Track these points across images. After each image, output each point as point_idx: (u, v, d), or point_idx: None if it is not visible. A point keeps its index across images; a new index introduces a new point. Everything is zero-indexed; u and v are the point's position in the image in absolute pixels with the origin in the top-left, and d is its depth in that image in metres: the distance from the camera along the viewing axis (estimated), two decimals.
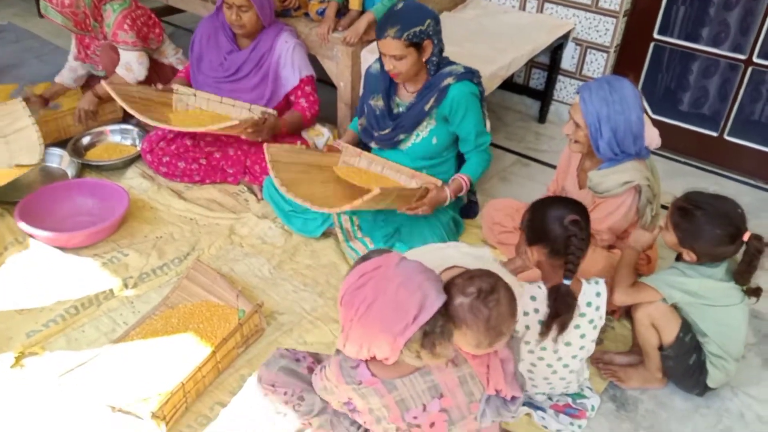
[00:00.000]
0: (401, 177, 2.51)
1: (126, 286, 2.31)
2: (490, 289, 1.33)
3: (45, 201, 2.56)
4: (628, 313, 2.12)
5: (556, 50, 3.41)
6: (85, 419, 1.82)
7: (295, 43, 2.79)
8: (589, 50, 3.43)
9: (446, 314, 1.29)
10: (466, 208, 2.73)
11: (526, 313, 1.70)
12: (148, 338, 2.05)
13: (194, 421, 1.85)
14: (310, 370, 1.69)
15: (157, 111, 2.77)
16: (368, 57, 2.81)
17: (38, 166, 2.58)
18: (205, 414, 1.87)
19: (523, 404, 1.90)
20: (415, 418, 1.38)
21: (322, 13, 2.94)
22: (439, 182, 2.39)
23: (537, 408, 1.90)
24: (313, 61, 2.92)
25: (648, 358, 1.97)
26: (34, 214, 2.46)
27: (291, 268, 2.47)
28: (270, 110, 2.70)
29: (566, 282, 1.64)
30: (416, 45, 2.24)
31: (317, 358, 1.75)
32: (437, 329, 1.26)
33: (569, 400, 1.92)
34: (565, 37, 3.38)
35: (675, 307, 1.88)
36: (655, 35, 3.27)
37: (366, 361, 1.38)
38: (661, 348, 1.91)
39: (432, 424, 1.40)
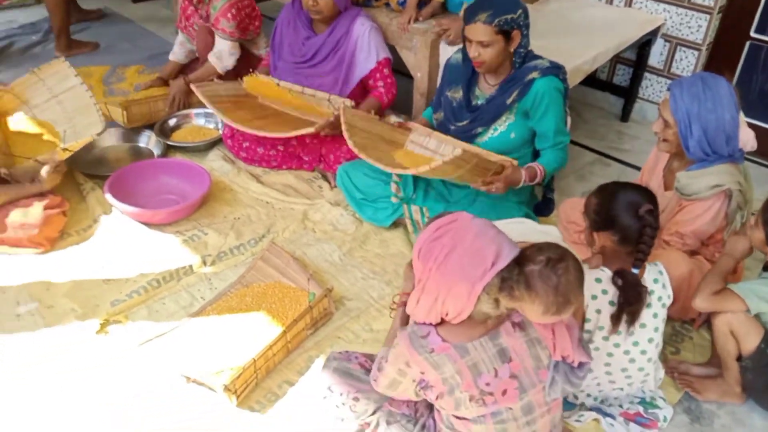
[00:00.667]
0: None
1: (204, 263, 2.40)
2: (558, 258, 1.36)
3: (132, 177, 2.69)
4: (708, 323, 2.03)
5: (643, 46, 3.28)
6: (162, 387, 1.91)
7: (371, 26, 2.81)
8: (679, 47, 3.28)
9: (520, 266, 1.34)
10: (540, 205, 2.67)
11: (594, 297, 1.67)
12: (223, 314, 2.13)
13: (263, 397, 1.91)
14: (362, 365, 1.71)
15: (245, 106, 2.88)
16: (447, 48, 2.80)
17: (102, 133, 2.67)
18: (273, 391, 1.93)
19: (592, 410, 1.86)
20: (487, 384, 1.39)
21: (402, 4, 2.94)
22: (515, 162, 2.33)
23: (606, 415, 1.85)
24: (391, 51, 2.93)
25: (726, 369, 1.88)
26: (122, 189, 2.59)
27: (360, 256, 2.50)
28: (348, 101, 2.74)
29: (634, 270, 1.62)
30: (505, 33, 2.20)
31: (369, 356, 1.77)
32: (514, 275, 1.32)
33: (640, 409, 1.85)
34: (654, 33, 3.25)
35: (756, 317, 1.79)
36: (752, 33, 3.09)
37: (436, 327, 1.41)
38: (740, 359, 1.83)
39: (504, 392, 1.40)
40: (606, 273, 1.69)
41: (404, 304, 1.67)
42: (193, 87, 2.87)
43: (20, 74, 3.65)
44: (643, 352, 1.76)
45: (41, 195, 2.44)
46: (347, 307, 2.25)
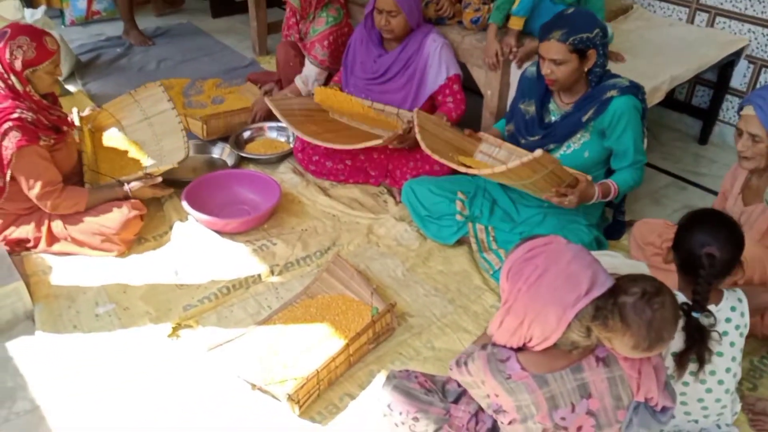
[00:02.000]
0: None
1: (272, 272, 2.46)
2: (655, 292, 1.30)
3: (208, 187, 2.79)
4: None
5: (725, 67, 3.16)
6: (227, 392, 1.97)
7: (443, 43, 2.83)
8: (764, 69, 3.13)
9: (614, 296, 1.28)
10: (611, 228, 2.61)
11: None
12: (289, 324, 2.17)
13: (324, 409, 1.93)
14: (422, 385, 1.69)
15: (316, 120, 2.96)
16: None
17: (183, 162, 2.75)
18: (335, 403, 1.95)
19: None
20: (563, 419, 1.34)
21: (476, 22, 2.94)
22: (589, 177, 2.26)
23: None
24: (462, 69, 2.93)
25: None
26: (198, 198, 2.69)
27: (423, 272, 2.50)
28: (410, 120, 2.75)
29: (695, 315, 1.54)
30: (580, 52, 2.17)
31: (429, 377, 1.74)
32: (609, 305, 1.25)
33: None
34: (738, 54, 3.13)
35: None
36: None
37: (516, 353, 1.36)
38: None
39: (579, 428, 1.35)
40: (680, 297, 1.62)
41: None
42: (267, 100, 2.96)
43: (106, 85, 3.92)
44: (720, 383, 1.68)
45: (119, 200, 2.55)
46: (409, 323, 2.25)
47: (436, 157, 2.34)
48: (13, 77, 2.30)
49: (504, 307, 1.33)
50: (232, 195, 2.84)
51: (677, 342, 1.57)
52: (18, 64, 2.28)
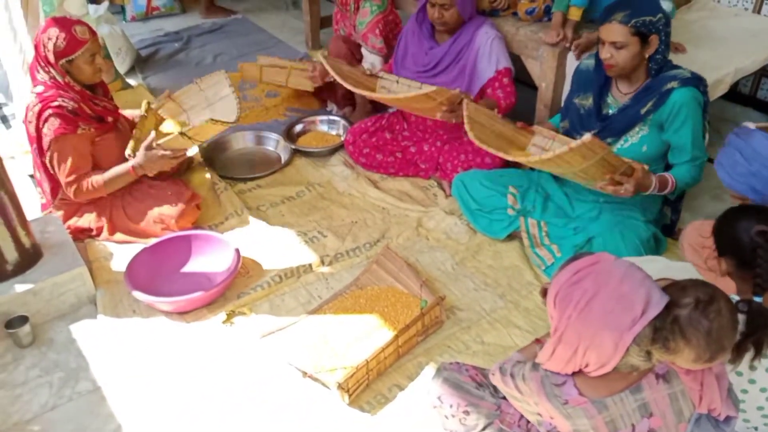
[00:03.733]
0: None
1: (323, 263, 2.49)
2: (708, 300, 1.21)
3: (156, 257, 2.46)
4: None
5: None
6: (278, 378, 2.01)
7: (495, 35, 2.78)
8: None
9: (670, 313, 1.21)
10: (669, 226, 2.53)
11: None
12: (339, 314, 2.20)
13: (373, 399, 1.95)
14: (473, 378, 1.68)
15: (364, 88, 2.87)
16: (573, 60, 2.72)
17: (234, 124, 2.66)
18: (383, 394, 1.97)
19: None
20: None
21: (531, 13, 2.89)
22: (645, 166, 2.15)
23: None
24: (516, 61, 2.89)
25: None
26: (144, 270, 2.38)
27: (473, 266, 2.48)
28: (468, 95, 2.69)
29: (757, 299, 1.45)
30: (642, 36, 2.10)
31: (479, 370, 1.73)
32: (667, 324, 1.18)
33: None
34: None
35: None
36: None
37: (573, 377, 1.30)
38: None
39: None
40: (735, 299, 1.56)
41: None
42: (320, 56, 2.85)
43: (165, 79, 4.03)
44: None
45: (166, 181, 2.58)
46: (458, 317, 2.24)
47: (484, 147, 2.29)
48: (51, 69, 2.38)
49: (555, 336, 1.26)
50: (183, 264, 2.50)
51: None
52: (51, 56, 2.35)
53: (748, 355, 1.50)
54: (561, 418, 1.29)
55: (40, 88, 2.40)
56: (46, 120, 2.35)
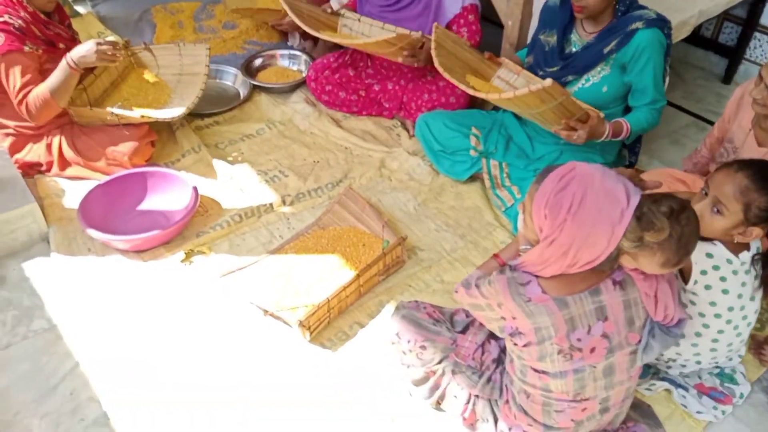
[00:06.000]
0: None
1: (284, 202, 2.47)
2: (681, 208, 1.33)
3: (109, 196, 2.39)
4: None
5: (756, 3, 3.03)
6: (239, 317, 2.01)
7: None
8: None
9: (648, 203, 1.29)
10: (627, 168, 2.56)
11: (704, 272, 1.60)
12: (300, 254, 2.19)
13: (334, 336, 1.98)
14: (430, 315, 1.72)
15: (324, 29, 2.83)
16: None
17: (171, 120, 2.60)
18: (344, 331, 1.99)
19: (664, 380, 1.82)
20: (578, 340, 1.35)
21: None
22: (601, 114, 2.20)
23: (678, 386, 1.80)
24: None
25: None
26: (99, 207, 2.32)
27: (435, 207, 2.50)
28: (430, 37, 2.65)
29: None
30: None
31: (437, 307, 1.77)
32: (645, 210, 1.25)
33: (717, 383, 1.80)
34: None
35: None
36: None
37: (537, 277, 1.36)
38: None
39: (592, 350, 1.37)
40: (718, 248, 1.60)
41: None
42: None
43: (116, 8, 3.85)
44: (749, 324, 1.70)
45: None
46: (419, 257, 2.27)
47: (447, 76, 2.26)
48: None
49: (544, 243, 1.29)
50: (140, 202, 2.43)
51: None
52: None
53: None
54: (523, 316, 1.35)
55: None
56: None
